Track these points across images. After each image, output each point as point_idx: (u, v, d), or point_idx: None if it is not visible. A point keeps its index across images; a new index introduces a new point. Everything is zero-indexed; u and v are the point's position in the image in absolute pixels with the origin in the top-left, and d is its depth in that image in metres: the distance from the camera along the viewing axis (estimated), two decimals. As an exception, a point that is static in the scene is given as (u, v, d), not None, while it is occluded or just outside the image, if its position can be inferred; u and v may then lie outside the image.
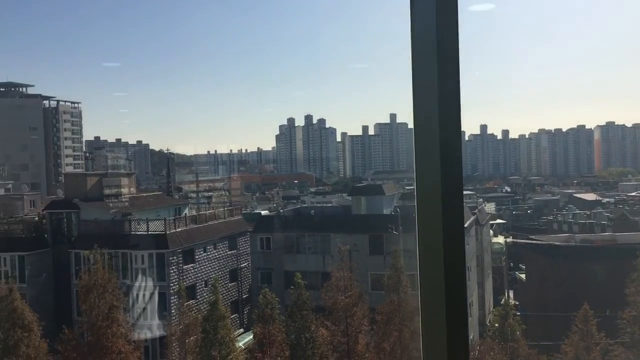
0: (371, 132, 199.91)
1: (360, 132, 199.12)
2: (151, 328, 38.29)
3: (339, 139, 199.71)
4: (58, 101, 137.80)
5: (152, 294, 39.52)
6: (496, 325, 38.79)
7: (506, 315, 36.02)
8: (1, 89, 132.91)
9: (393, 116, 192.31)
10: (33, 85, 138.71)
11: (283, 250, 45.23)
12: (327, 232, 43.52)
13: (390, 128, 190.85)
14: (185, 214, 49.61)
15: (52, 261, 42.54)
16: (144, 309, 39.56)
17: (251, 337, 35.75)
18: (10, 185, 78.51)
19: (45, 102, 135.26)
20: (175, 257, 40.53)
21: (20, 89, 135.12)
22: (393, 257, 32.94)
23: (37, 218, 46.95)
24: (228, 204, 74.73)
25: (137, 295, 39.39)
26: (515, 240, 64.36)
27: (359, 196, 49.85)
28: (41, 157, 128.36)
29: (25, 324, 29.09)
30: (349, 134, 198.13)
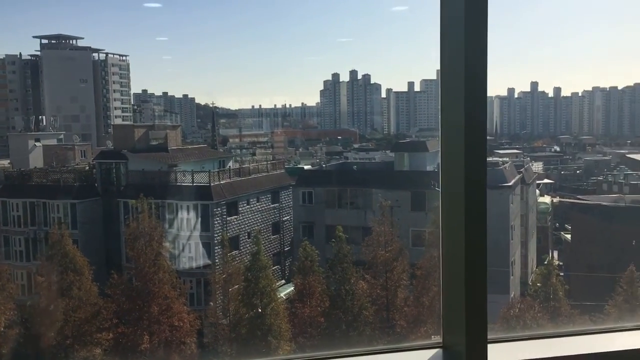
0: (417, 88, 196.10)
1: (405, 89, 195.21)
2: (195, 275, 39.63)
3: (383, 95, 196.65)
4: (107, 54, 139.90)
5: (196, 244, 40.73)
6: (538, 284, 38.45)
7: (549, 274, 35.65)
8: (52, 41, 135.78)
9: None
10: (83, 38, 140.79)
11: (325, 205, 45.62)
12: (369, 188, 43.60)
13: (437, 84, 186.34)
14: (229, 167, 50.35)
15: (102, 209, 44.13)
16: (189, 257, 40.87)
17: (292, 288, 36.59)
18: (62, 136, 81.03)
19: (95, 54, 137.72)
20: (219, 209, 41.42)
21: (70, 41, 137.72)
22: (435, 213, 32.88)
23: (87, 168, 48.58)
24: (271, 158, 75.34)
25: (182, 244, 40.66)
26: (562, 200, 63.03)
27: (402, 152, 49.57)
28: (91, 108, 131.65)
29: (77, 267, 30.51)
30: (394, 90, 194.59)
